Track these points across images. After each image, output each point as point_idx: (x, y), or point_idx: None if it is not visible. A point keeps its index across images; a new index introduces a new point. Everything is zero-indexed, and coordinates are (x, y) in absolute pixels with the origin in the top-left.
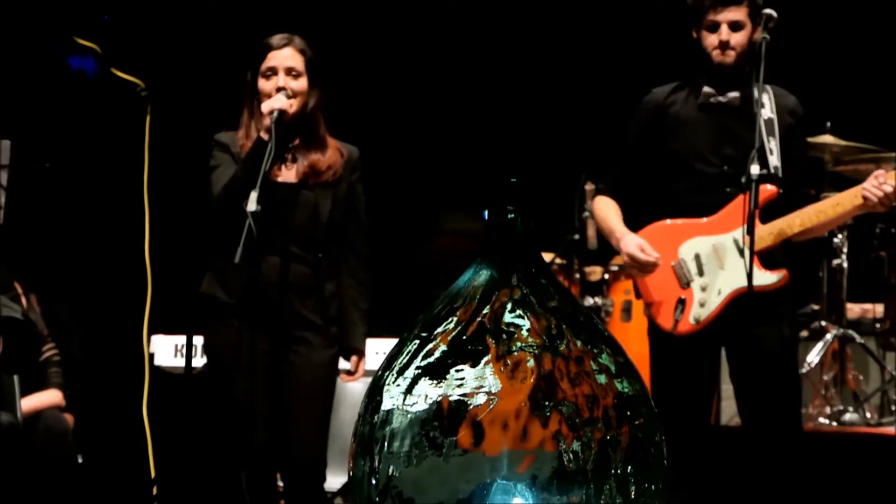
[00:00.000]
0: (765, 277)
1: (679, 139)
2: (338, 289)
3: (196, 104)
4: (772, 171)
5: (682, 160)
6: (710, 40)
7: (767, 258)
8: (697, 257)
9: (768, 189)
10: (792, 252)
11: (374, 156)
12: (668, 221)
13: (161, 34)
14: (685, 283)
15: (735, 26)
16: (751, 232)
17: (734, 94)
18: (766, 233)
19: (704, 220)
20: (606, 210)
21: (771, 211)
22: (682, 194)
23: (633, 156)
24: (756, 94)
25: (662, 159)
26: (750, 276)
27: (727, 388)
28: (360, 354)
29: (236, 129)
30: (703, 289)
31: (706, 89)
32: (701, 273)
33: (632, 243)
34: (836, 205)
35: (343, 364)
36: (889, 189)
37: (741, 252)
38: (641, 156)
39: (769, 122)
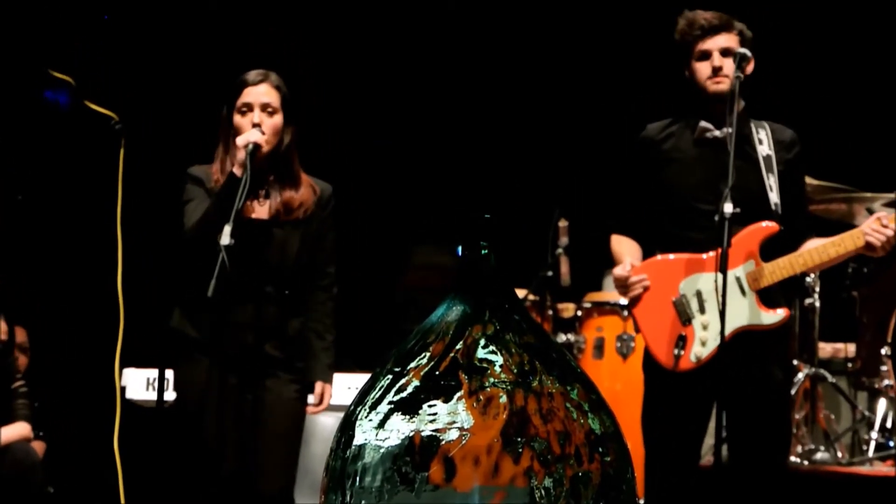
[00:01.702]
0: (767, 317)
1: (674, 175)
2: (303, 325)
3: (170, 137)
4: (772, 207)
5: (678, 197)
6: (703, 69)
7: (768, 297)
8: (699, 294)
9: (769, 227)
10: (788, 290)
11: (350, 187)
12: (672, 256)
13: (135, 67)
14: (686, 320)
15: (727, 53)
16: (723, 270)
17: (730, 130)
18: (769, 271)
19: (705, 256)
20: (620, 246)
21: (772, 247)
22: (677, 230)
23: (633, 191)
24: (734, 131)
25: (657, 195)
26: (723, 314)
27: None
28: (323, 384)
29: (209, 163)
30: (705, 327)
31: (702, 124)
32: (703, 310)
33: (621, 271)
34: (838, 245)
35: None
36: (891, 233)
37: (743, 290)
38: (639, 190)
39: (767, 158)
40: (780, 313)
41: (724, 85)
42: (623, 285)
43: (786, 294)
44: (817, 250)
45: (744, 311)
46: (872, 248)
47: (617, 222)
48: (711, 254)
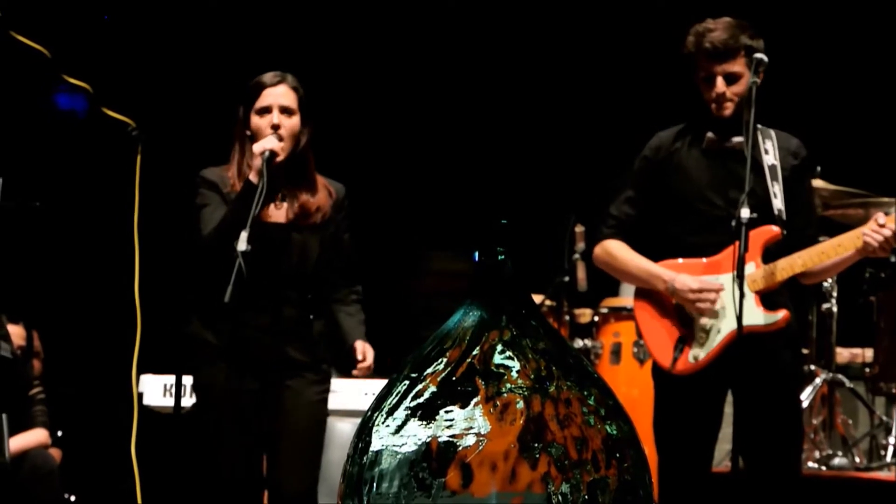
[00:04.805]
0: (766, 317)
1: (684, 181)
2: (325, 328)
3: (186, 143)
4: (775, 213)
5: (687, 202)
6: (707, 93)
7: (769, 298)
8: None
9: (772, 230)
10: (795, 294)
11: (364, 193)
12: (676, 261)
13: (152, 73)
14: (687, 323)
15: (731, 78)
16: (741, 275)
17: (738, 139)
18: (768, 273)
19: (705, 260)
20: (630, 254)
21: (774, 253)
22: (685, 236)
23: (639, 197)
24: (749, 137)
25: (666, 201)
26: (739, 318)
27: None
28: (363, 342)
29: (222, 165)
30: (705, 328)
31: (709, 135)
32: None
33: (692, 282)
34: (838, 246)
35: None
36: (888, 233)
37: (742, 291)
38: (646, 197)
39: (773, 167)
40: (778, 315)
41: (727, 111)
42: (707, 299)
43: (797, 299)
44: (816, 250)
45: (743, 313)
46: (871, 249)
47: (614, 226)
48: (713, 258)
